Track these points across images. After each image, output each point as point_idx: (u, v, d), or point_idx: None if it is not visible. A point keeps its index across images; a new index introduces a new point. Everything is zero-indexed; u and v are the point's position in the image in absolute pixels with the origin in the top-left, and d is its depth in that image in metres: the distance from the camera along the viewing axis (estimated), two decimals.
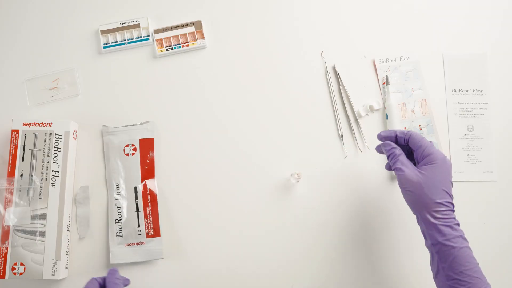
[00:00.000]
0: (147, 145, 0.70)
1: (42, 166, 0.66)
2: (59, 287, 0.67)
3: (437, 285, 0.58)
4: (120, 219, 0.68)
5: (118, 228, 0.68)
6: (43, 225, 0.64)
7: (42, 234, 0.64)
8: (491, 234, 0.69)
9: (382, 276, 0.68)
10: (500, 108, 0.74)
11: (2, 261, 0.63)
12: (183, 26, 0.75)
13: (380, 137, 0.64)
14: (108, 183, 0.69)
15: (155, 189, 0.69)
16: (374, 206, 0.70)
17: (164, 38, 0.74)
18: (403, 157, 0.60)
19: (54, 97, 0.73)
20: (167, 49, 0.74)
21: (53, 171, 0.66)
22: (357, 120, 0.72)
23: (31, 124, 0.67)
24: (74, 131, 0.69)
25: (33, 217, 0.65)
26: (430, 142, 0.61)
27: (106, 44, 0.74)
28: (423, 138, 0.60)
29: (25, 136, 0.67)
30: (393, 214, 0.70)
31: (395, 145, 0.61)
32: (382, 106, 0.73)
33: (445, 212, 0.56)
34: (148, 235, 0.68)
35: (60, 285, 0.67)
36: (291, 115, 0.72)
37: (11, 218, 0.64)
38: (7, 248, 0.64)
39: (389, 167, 0.66)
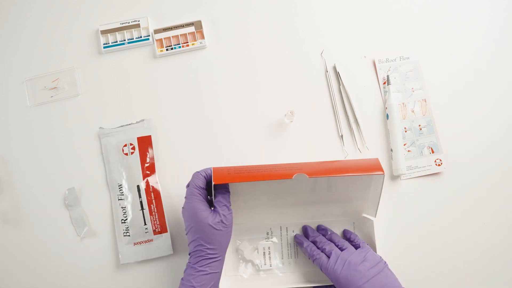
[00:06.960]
0: (145, 143, 0.70)
1: None
2: None
3: None
4: (126, 219, 0.67)
5: (124, 228, 0.67)
6: None
7: None
8: (491, 234, 0.69)
9: None
10: (501, 107, 0.74)
11: None
12: (183, 26, 0.75)
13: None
14: (110, 185, 0.69)
15: (158, 186, 0.69)
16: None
17: (164, 38, 0.74)
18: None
19: (54, 97, 0.73)
20: (167, 49, 0.74)
21: None
22: (357, 120, 0.72)
23: None
24: None
25: None
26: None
27: (106, 44, 0.74)
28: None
29: None
30: (391, 212, 0.69)
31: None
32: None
33: None
34: (155, 232, 0.67)
35: None
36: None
37: None
38: None
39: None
